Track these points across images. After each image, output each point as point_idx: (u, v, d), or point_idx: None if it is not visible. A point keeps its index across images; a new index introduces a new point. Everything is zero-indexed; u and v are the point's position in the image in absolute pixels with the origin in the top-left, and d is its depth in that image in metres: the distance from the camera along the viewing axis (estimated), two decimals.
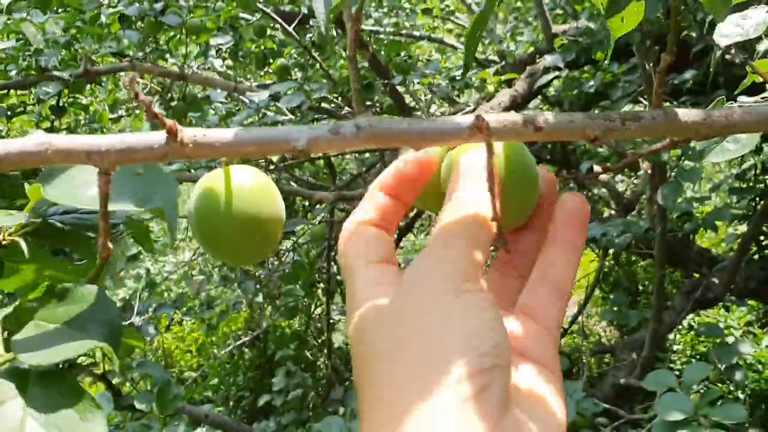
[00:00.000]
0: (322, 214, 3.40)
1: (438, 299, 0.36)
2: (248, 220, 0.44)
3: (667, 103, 0.45)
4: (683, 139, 0.42)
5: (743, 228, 2.91)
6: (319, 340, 4.05)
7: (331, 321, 3.54)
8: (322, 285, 3.53)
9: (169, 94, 3.03)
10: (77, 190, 0.45)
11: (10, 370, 0.38)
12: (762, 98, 0.52)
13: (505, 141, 0.40)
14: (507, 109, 2.52)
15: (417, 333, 0.35)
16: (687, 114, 0.41)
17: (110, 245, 0.41)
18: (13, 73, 2.26)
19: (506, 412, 0.34)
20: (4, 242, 0.49)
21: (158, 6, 2.10)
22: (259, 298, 3.90)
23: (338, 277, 3.33)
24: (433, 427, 0.32)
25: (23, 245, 0.48)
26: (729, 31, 0.55)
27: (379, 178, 0.43)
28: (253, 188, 0.45)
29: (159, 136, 0.37)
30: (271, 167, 3.02)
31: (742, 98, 0.52)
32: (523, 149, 0.43)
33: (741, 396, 1.91)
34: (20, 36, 2.06)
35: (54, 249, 0.53)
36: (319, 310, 3.84)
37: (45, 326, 0.41)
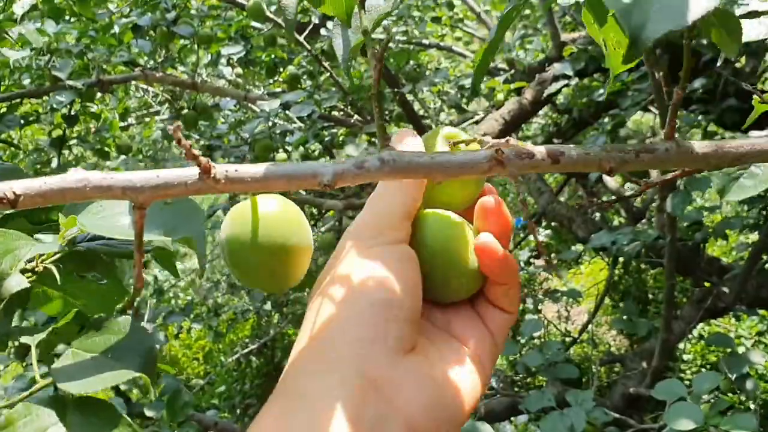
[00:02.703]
0: (331, 222, 3.41)
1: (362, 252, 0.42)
2: (276, 248, 0.45)
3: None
4: (694, 170, 0.44)
5: (754, 237, 2.89)
6: None
7: None
8: None
9: (179, 103, 3.06)
10: (109, 221, 0.47)
11: (50, 398, 0.40)
12: None
13: (522, 173, 0.42)
14: (516, 116, 2.52)
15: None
16: (699, 146, 0.42)
17: (144, 276, 0.43)
18: (26, 82, 2.28)
19: (400, 357, 0.38)
20: (37, 269, 0.50)
21: (170, 16, 2.13)
22: (267, 306, 3.90)
23: None
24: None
25: (55, 272, 0.49)
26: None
27: None
28: (279, 217, 0.46)
29: (192, 172, 0.38)
30: None
31: (753, 132, 0.52)
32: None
33: (752, 406, 1.89)
34: (34, 46, 2.08)
35: (81, 273, 0.54)
36: None
37: (82, 355, 0.43)
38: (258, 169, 0.39)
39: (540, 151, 0.41)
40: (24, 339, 0.45)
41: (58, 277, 0.49)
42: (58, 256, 0.52)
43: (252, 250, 0.45)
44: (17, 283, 0.45)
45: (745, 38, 0.50)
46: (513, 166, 0.40)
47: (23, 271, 0.47)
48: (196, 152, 0.36)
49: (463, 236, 0.45)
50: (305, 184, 0.39)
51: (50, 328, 0.46)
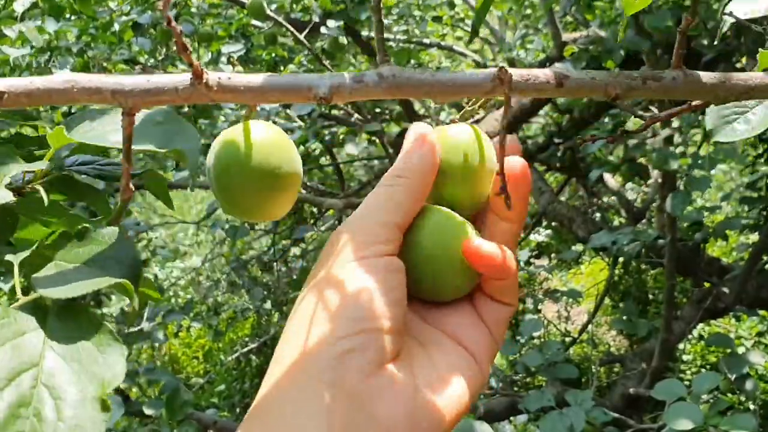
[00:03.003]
0: (331, 222, 3.41)
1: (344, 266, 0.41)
2: (267, 172, 0.44)
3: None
4: (701, 104, 0.42)
5: (754, 237, 2.89)
6: None
7: None
8: None
9: None
10: (100, 138, 0.45)
11: (30, 305, 0.38)
12: None
13: (526, 95, 0.40)
14: (516, 116, 2.52)
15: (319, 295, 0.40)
16: (707, 76, 0.41)
17: (132, 187, 0.41)
18: None
19: (380, 368, 0.37)
20: (24, 191, 0.47)
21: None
22: (267, 305, 3.90)
23: None
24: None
25: (43, 194, 0.46)
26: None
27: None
28: (272, 142, 0.44)
29: (184, 78, 0.37)
30: None
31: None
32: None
33: (752, 407, 1.90)
34: (34, 44, 2.08)
35: (70, 203, 0.52)
36: None
37: (65, 266, 0.41)
38: (253, 78, 0.37)
39: (544, 73, 0.39)
40: (8, 257, 0.43)
41: (45, 198, 0.46)
42: (46, 179, 0.50)
43: (243, 173, 0.43)
44: (2, 197, 0.42)
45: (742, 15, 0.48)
46: (516, 87, 0.38)
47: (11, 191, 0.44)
48: (189, 48, 0.35)
49: (460, 234, 0.44)
50: (300, 97, 0.38)
51: (35, 246, 0.44)
